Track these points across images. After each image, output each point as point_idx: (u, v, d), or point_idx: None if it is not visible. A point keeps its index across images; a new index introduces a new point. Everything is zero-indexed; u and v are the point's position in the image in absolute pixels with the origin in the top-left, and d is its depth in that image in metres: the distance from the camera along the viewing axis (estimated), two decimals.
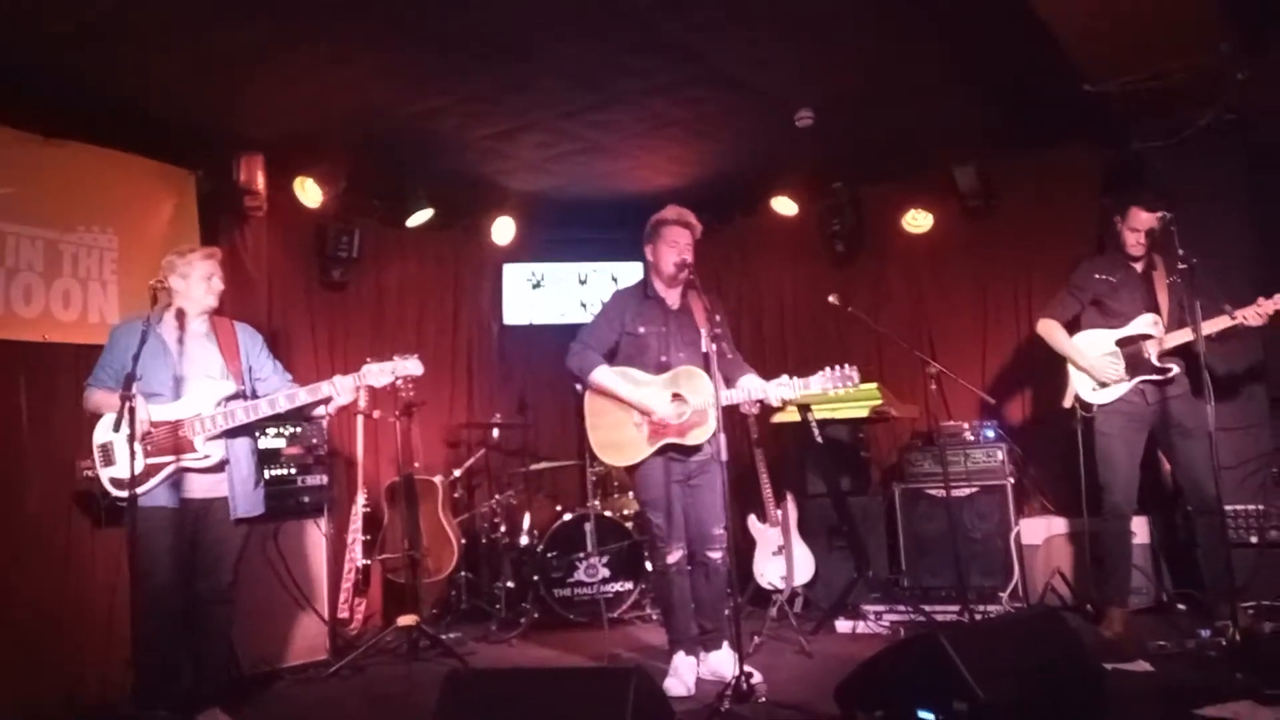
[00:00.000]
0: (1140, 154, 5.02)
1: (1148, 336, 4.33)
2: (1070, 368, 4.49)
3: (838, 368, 3.75)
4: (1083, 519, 4.68)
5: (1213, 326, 4.09)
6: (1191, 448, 4.22)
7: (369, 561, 5.11)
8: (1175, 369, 4.28)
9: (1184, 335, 4.18)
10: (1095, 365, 4.37)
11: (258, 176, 5.01)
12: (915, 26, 4.18)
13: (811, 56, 4.46)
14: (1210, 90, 4.48)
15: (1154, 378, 4.30)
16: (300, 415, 3.94)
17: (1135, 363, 4.33)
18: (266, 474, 4.45)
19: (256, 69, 4.16)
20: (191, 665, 3.63)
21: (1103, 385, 4.38)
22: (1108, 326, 4.44)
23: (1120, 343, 4.39)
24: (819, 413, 5.20)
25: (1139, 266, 4.45)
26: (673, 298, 4.10)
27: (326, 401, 3.76)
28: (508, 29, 4.00)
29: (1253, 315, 4.08)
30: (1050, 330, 4.54)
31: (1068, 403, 4.52)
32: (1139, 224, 4.35)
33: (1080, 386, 4.46)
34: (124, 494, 3.34)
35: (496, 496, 5.83)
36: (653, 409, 3.87)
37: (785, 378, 3.85)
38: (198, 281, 3.69)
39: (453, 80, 4.48)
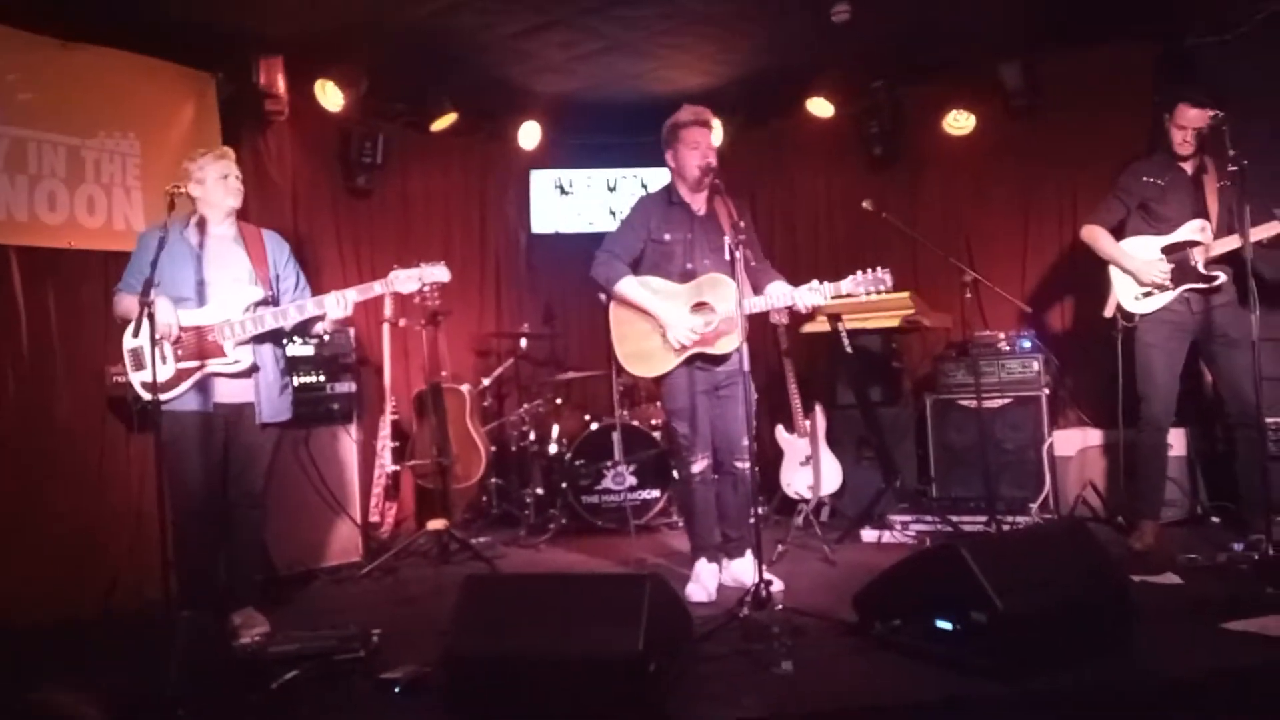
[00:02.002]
0: (1194, 50, 4.74)
1: (1195, 243, 4.16)
2: (1113, 276, 4.35)
3: (870, 270, 3.66)
4: (1118, 431, 4.59)
5: (1262, 232, 3.91)
6: (1234, 358, 4.10)
7: (398, 467, 5.17)
8: (1223, 277, 4.13)
9: (1232, 242, 4.00)
10: (1141, 268, 4.21)
11: (278, 79, 4.92)
12: None
13: None
14: None
15: (1200, 286, 4.14)
16: (303, 331, 3.93)
17: (1181, 270, 4.17)
18: (296, 381, 4.50)
19: None
20: (225, 568, 3.73)
21: (1147, 293, 4.23)
22: (1154, 233, 4.27)
23: (1166, 250, 4.22)
24: (850, 323, 5.09)
25: (1189, 169, 4.24)
26: (698, 203, 3.99)
27: (323, 318, 3.73)
28: None
29: None
30: (1095, 235, 4.38)
31: (1109, 312, 4.39)
32: (1186, 121, 4.13)
33: (1123, 295, 4.32)
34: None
35: (525, 405, 5.85)
36: (670, 326, 3.80)
37: (815, 282, 3.75)
38: (214, 183, 3.65)
39: None
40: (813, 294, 3.73)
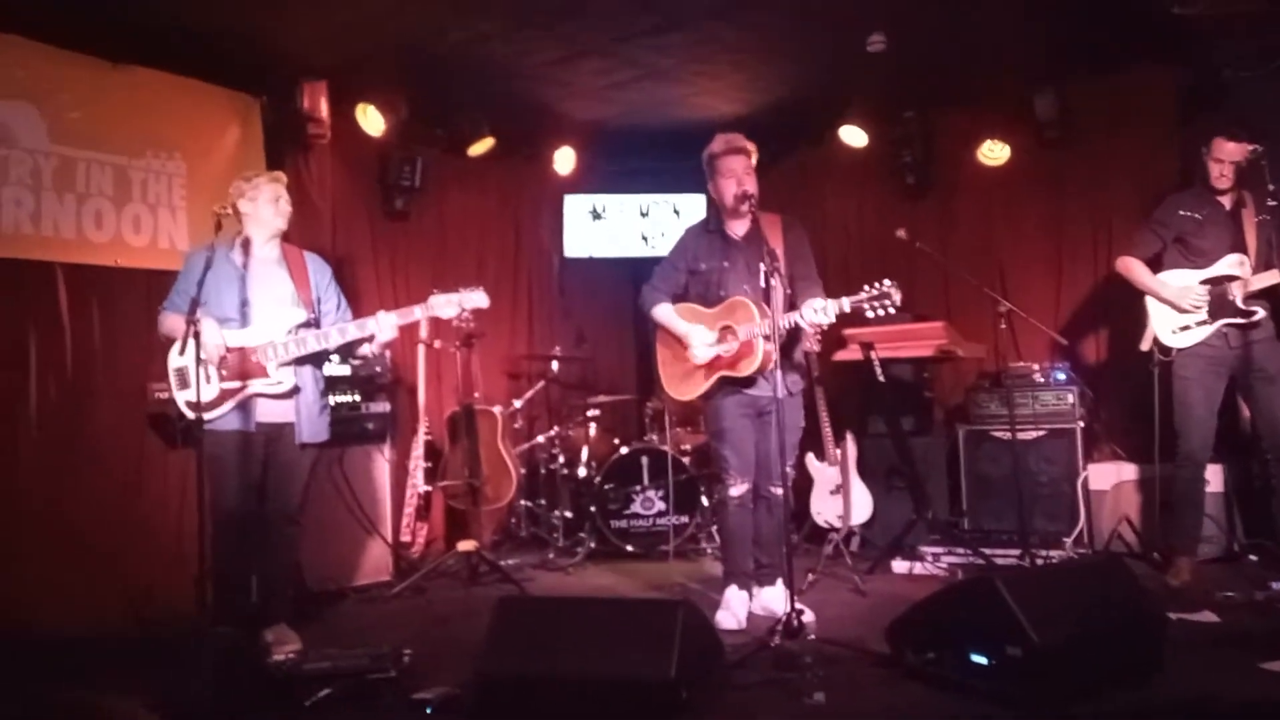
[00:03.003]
0: (1228, 81, 4.72)
1: (1233, 278, 4.12)
2: (1150, 308, 4.31)
3: (875, 285, 3.49)
4: (1154, 465, 4.54)
5: None
6: (1273, 393, 4.06)
7: (430, 488, 5.21)
8: (1261, 312, 4.08)
9: (1271, 277, 3.98)
10: (1178, 295, 4.18)
11: (321, 103, 5.02)
12: None
13: None
14: None
15: (1238, 321, 4.10)
16: (348, 352, 4.00)
17: (1219, 305, 4.13)
18: (332, 400, 4.56)
19: None
20: (259, 584, 3.76)
21: (1184, 327, 4.19)
22: (1192, 266, 4.24)
23: (1204, 283, 4.19)
24: (883, 351, 5.09)
25: (1227, 203, 4.21)
26: (739, 228, 4.00)
27: (370, 339, 3.77)
28: None
29: None
30: (1130, 267, 4.35)
31: (1145, 345, 4.35)
32: (1223, 155, 4.11)
33: (1160, 329, 4.28)
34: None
35: (555, 428, 5.88)
36: (690, 348, 3.86)
37: (819, 301, 3.66)
38: (265, 204, 3.73)
39: (504, 1, 4.39)
40: (816, 314, 3.63)
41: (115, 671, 3.49)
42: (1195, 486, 4.27)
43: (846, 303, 3.58)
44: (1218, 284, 4.15)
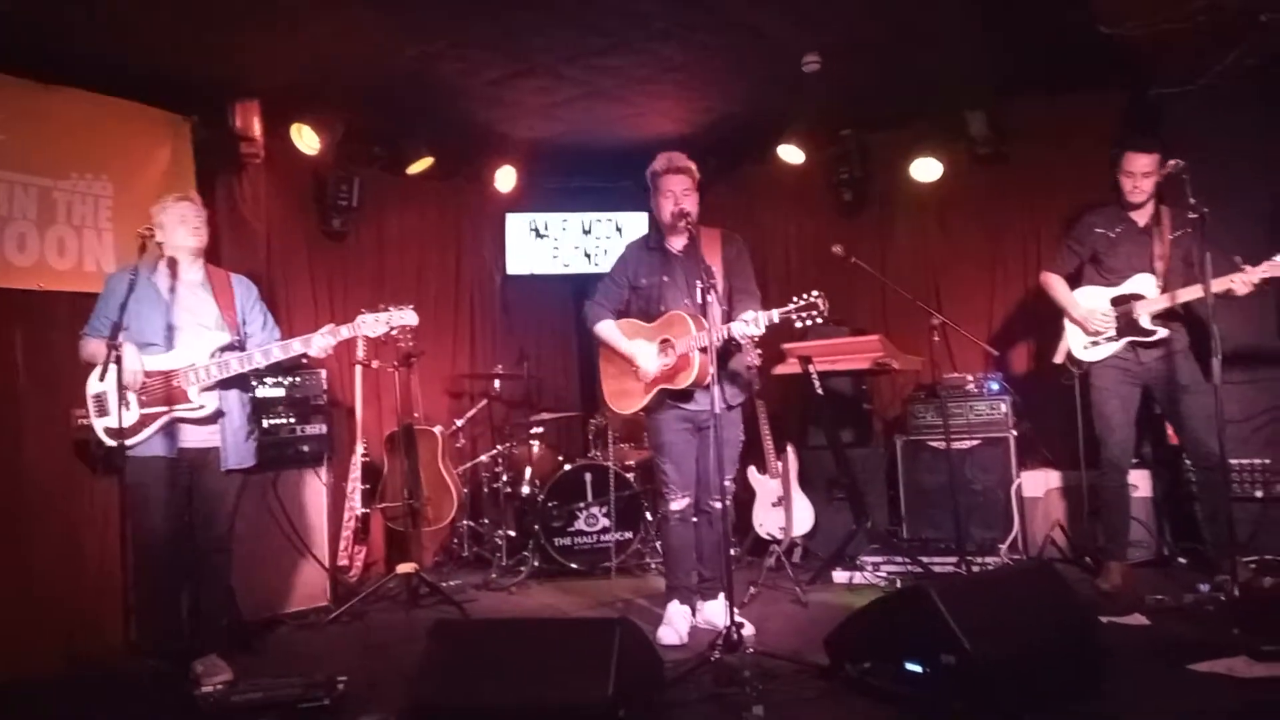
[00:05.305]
0: (1158, 100, 4.86)
1: (1139, 297, 4.23)
2: (1066, 322, 4.42)
3: (802, 297, 3.53)
4: (1081, 472, 4.64)
5: (1223, 284, 3.90)
6: (1191, 403, 4.14)
7: (368, 510, 5.13)
8: (1163, 332, 4.17)
9: (1164, 301, 4.11)
10: (1086, 317, 4.29)
11: (254, 123, 4.93)
12: None
13: None
14: (1232, 33, 4.31)
15: (1142, 339, 4.21)
16: (282, 368, 3.94)
17: (1126, 324, 4.24)
18: (265, 423, 4.49)
19: (248, 11, 4.07)
20: (190, 614, 3.67)
21: (1094, 342, 4.30)
22: (1105, 284, 4.35)
23: (1114, 301, 4.29)
24: (821, 365, 5.15)
25: (1140, 220, 4.30)
26: (678, 244, 4.04)
27: (304, 359, 3.73)
28: None
29: (1240, 283, 3.91)
30: (1049, 283, 4.47)
31: (1059, 359, 4.48)
32: (1134, 168, 4.18)
33: (1073, 343, 4.39)
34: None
35: (498, 447, 5.84)
36: (638, 364, 3.91)
37: (750, 314, 3.69)
38: (174, 225, 3.67)
39: (449, 24, 4.37)
40: (747, 326, 3.66)
41: (42, 710, 3.38)
42: (1120, 493, 4.37)
43: (776, 314, 3.62)
44: (1125, 302, 4.25)
